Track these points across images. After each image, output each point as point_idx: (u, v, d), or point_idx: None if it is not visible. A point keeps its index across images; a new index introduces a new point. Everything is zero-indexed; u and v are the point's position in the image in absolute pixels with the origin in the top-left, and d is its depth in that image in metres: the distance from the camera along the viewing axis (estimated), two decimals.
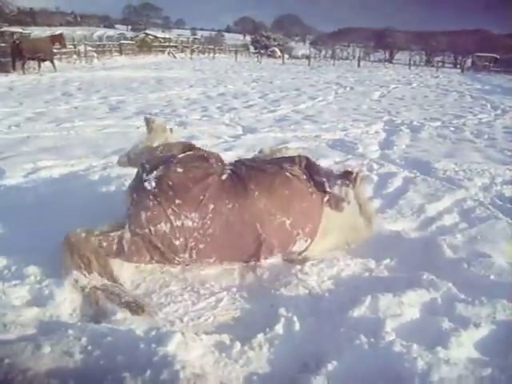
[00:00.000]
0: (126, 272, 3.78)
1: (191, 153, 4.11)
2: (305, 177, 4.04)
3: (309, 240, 3.95)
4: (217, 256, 3.80)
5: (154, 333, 2.80)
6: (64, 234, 3.57)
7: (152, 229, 3.57)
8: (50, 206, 4.98)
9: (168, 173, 3.67)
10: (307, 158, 4.25)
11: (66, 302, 3.28)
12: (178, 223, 3.58)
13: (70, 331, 2.72)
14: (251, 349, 2.83)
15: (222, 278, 3.79)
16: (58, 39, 27.21)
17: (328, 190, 4.01)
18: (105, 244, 3.57)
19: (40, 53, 24.21)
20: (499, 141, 9.92)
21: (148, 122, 5.10)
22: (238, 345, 2.83)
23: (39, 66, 24.89)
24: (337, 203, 4.04)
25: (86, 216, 4.18)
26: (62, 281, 3.39)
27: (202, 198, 3.62)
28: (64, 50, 36.69)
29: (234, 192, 3.76)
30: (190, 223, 3.60)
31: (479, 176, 6.71)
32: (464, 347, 2.79)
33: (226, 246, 3.75)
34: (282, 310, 3.19)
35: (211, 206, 3.64)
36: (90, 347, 2.61)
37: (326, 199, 4.01)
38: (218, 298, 3.49)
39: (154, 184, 3.61)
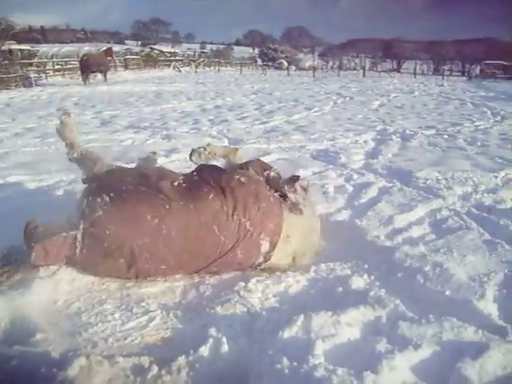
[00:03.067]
0: (62, 289, 3.61)
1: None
2: (261, 179, 3.97)
3: (273, 241, 3.82)
4: (175, 261, 3.67)
5: (57, 356, 2.60)
6: None
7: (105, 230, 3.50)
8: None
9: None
10: (261, 162, 4.18)
11: None
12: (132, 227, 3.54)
13: None
14: (168, 373, 2.64)
15: (161, 296, 3.61)
16: (109, 53, 31.50)
17: (286, 192, 3.92)
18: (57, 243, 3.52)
19: (102, 66, 28.46)
20: (492, 148, 9.64)
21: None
22: (155, 368, 2.65)
23: (105, 77, 29.18)
24: (295, 206, 3.93)
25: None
26: None
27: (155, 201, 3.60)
28: (69, 67, 37.30)
29: (187, 195, 3.69)
30: (144, 225, 3.54)
31: (461, 184, 6.46)
32: (397, 371, 2.56)
33: (183, 248, 3.63)
34: (213, 330, 2.98)
35: (166, 208, 3.58)
36: None
37: (284, 202, 3.90)
38: (150, 316, 3.30)
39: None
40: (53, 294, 3.55)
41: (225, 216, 3.67)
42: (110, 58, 31.18)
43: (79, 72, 35.06)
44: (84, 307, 3.44)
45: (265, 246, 3.83)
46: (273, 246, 3.84)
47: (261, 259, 3.89)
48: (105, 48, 36.74)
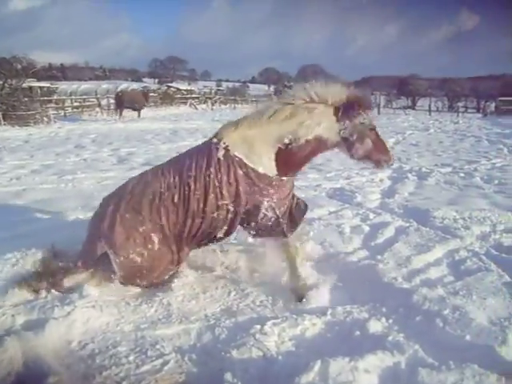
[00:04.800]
0: (76, 330, 3.60)
1: None
2: None
3: None
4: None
5: None
6: None
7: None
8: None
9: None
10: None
11: None
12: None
13: None
14: None
15: (176, 339, 3.59)
16: (146, 94, 32.70)
17: None
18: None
19: (136, 103, 30.19)
20: (509, 186, 9.53)
21: None
22: None
23: (139, 114, 30.76)
24: None
25: None
26: None
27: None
28: (87, 104, 37.95)
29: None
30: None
31: (479, 224, 6.38)
32: None
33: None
34: (228, 375, 2.95)
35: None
36: None
37: None
38: (165, 360, 3.27)
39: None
40: (67, 335, 3.54)
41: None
42: (145, 99, 32.39)
43: (97, 109, 36.02)
44: (98, 349, 3.43)
45: None
46: None
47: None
48: (142, 88, 39.03)
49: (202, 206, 4.15)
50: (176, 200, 4.16)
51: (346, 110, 4.05)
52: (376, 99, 74.84)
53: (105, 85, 52.92)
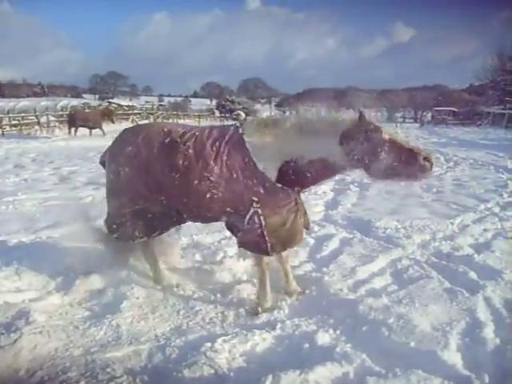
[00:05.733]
0: (24, 357, 3.54)
1: None
2: None
3: None
4: None
5: None
6: None
7: None
8: None
9: None
10: None
11: None
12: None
13: None
14: None
15: (127, 360, 3.56)
16: (108, 113, 32.33)
17: None
18: None
19: (89, 122, 29.57)
20: (446, 194, 9.93)
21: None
22: None
23: (90, 132, 29.89)
24: None
25: None
26: None
27: None
28: (26, 122, 36.98)
29: None
30: None
31: (420, 232, 6.61)
32: None
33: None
34: None
35: None
36: None
37: None
38: (116, 383, 3.24)
39: None
40: (14, 364, 3.46)
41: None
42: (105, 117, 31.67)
43: (36, 127, 35.13)
44: (47, 376, 3.36)
45: None
46: None
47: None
48: (105, 106, 38.92)
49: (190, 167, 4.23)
50: None
51: (344, 133, 3.92)
52: (318, 112, 76.15)
53: (44, 102, 51.43)
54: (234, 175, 4.10)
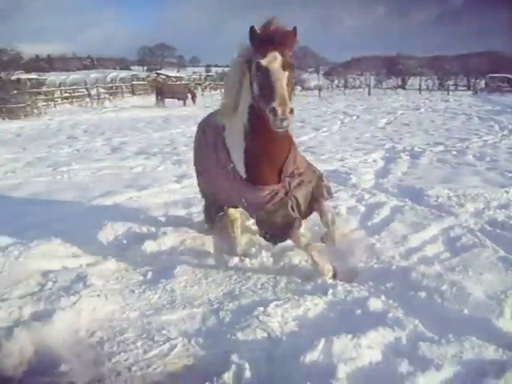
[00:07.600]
0: (83, 319, 3.67)
1: None
2: None
3: None
4: None
5: None
6: None
7: None
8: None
9: None
10: None
11: None
12: None
13: None
14: None
15: (181, 323, 3.65)
16: (192, 94, 34.26)
17: None
18: None
19: (177, 94, 33.16)
20: (501, 163, 9.66)
21: None
22: None
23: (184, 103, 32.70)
24: None
25: None
26: None
27: None
28: (77, 94, 37.71)
29: None
30: None
31: (473, 201, 6.45)
32: None
33: None
34: (235, 357, 3.02)
35: None
36: None
37: None
38: (172, 344, 3.34)
39: None
40: (74, 324, 3.60)
41: None
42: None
43: (87, 99, 35.88)
44: (106, 336, 3.49)
45: None
46: None
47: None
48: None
49: None
50: None
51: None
52: (366, 80, 74.83)
53: (93, 74, 52.19)
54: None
